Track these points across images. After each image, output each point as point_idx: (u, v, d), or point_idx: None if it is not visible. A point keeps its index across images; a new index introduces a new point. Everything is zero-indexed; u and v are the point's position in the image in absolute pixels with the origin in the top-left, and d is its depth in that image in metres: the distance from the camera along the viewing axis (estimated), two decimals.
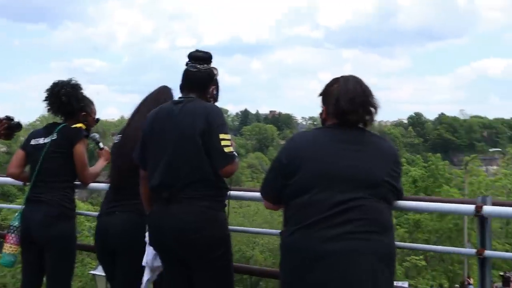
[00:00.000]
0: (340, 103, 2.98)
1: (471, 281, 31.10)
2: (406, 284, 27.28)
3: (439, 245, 40.89)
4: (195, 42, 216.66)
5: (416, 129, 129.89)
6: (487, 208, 2.90)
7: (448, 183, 44.18)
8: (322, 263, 2.74)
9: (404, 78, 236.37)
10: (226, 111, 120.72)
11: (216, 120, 3.35)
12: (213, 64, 3.61)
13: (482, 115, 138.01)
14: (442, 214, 41.05)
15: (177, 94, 3.72)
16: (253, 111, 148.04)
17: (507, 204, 2.99)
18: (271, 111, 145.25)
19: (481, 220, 2.96)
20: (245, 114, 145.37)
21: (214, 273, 3.35)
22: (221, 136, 3.30)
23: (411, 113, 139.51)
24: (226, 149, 3.29)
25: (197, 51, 3.60)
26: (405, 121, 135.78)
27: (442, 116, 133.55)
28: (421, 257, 37.74)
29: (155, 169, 3.40)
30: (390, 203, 2.94)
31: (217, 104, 3.61)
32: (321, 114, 3.16)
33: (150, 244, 3.53)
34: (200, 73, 3.53)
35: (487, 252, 2.93)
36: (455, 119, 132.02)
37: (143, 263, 3.67)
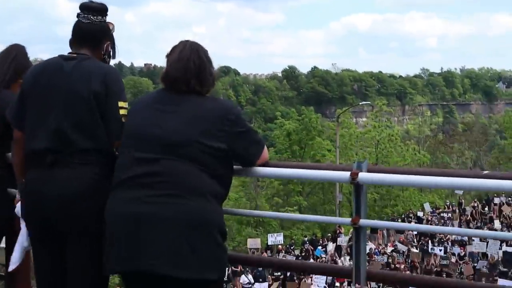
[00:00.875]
0: (171, 70, 2.90)
1: (342, 230, 32.41)
2: (281, 235, 27.90)
3: (313, 196, 42.43)
4: None
5: (290, 82, 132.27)
6: (363, 175, 2.76)
7: (321, 136, 45.59)
8: (126, 223, 2.70)
9: (278, 32, 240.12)
10: None
11: (115, 84, 3.04)
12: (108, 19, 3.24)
13: (353, 68, 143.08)
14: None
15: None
16: (127, 64, 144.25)
17: (382, 171, 2.87)
18: (146, 64, 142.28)
19: (357, 187, 2.82)
20: (120, 67, 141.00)
21: (92, 249, 2.97)
22: (120, 103, 3.01)
23: (285, 66, 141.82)
24: (123, 119, 2.99)
25: (91, 1, 3.20)
26: (279, 75, 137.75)
27: (315, 70, 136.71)
28: (295, 208, 38.93)
29: (36, 130, 3.01)
30: (206, 165, 2.75)
31: (111, 62, 3.29)
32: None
33: (23, 215, 3.14)
34: (93, 25, 3.14)
35: (362, 221, 2.81)
36: (327, 72, 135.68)
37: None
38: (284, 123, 46.87)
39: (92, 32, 3.15)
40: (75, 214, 2.92)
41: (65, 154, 2.95)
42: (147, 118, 2.85)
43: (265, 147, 3.06)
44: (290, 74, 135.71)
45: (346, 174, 2.80)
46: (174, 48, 2.96)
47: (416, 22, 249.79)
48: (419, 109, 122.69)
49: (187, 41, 2.99)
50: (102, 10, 3.20)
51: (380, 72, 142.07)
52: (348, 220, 2.87)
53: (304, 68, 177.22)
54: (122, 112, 3.00)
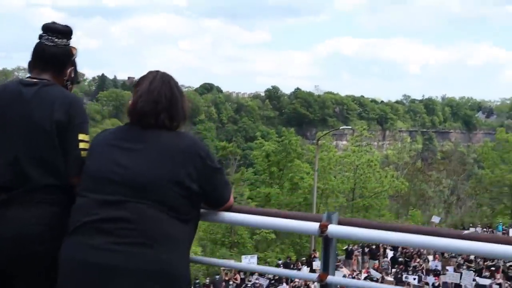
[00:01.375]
0: (140, 102, 2.65)
1: (317, 254, 32.17)
2: (255, 257, 27.67)
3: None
4: (52, 1, 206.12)
5: (273, 102, 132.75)
6: (333, 228, 2.53)
7: (300, 158, 45.43)
8: (84, 273, 2.43)
9: (263, 51, 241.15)
10: (83, 75, 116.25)
11: (80, 115, 2.80)
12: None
13: (335, 91, 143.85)
14: (293, 188, 42.38)
15: None
16: (110, 77, 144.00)
17: (354, 223, 2.63)
18: (129, 78, 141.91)
19: (326, 240, 2.59)
20: (102, 79, 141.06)
21: None
22: (81, 136, 2.76)
23: (269, 86, 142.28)
24: (82, 154, 2.73)
25: (53, 23, 2.96)
26: (262, 94, 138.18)
27: (297, 91, 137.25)
28: (271, 230, 38.62)
29: None
30: (176, 209, 2.51)
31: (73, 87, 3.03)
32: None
33: None
34: (58, 48, 2.90)
35: (330, 278, 2.57)
36: (310, 94, 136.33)
37: None
38: (263, 143, 46.63)
39: (57, 56, 2.90)
40: (31, 257, 2.66)
41: (22, 191, 2.69)
42: (111, 157, 2.58)
43: (232, 190, 2.84)
44: (273, 94, 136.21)
45: (315, 226, 2.57)
46: (142, 79, 2.73)
47: (399, 48, 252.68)
48: (399, 135, 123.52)
49: (157, 71, 2.76)
50: (67, 32, 2.96)
51: (362, 96, 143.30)
52: (314, 276, 2.63)
53: (287, 88, 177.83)
54: (82, 145, 2.74)
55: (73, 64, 3.01)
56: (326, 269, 2.60)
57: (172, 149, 2.58)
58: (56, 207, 2.71)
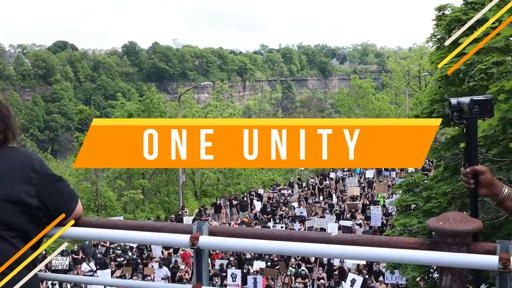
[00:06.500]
0: None
1: (187, 211, 32.45)
2: (120, 219, 27.30)
3: (156, 177, 41.81)
4: None
5: (131, 58, 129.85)
6: (204, 240, 2.50)
7: (163, 116, 44.99)
8: None
9: (118, 6, 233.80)
10: None
11: None
12: None
13: (193, 44, 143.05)
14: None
15: None
16: None
17: (224, 233, 2.60)
18: None
19: (197, 252, 2.54)
20: None
21: None
22: None
23: (125, 41, 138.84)
24: None
25: None
26: (120, 50, 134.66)
27: (156, 46, 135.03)
28: (139, 190, 38.35)
29: None
30: (19, 229, 2.36)
31: None
32: None
33: None
34: None
35: None
36: (168, 48, 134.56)
37: None
38: (125, 103, 45.60)
39: None
40: None
41: None
42: None
43: (79, 200, 2.70)
44: (131, 49, 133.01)
45: (186, 238, 2.51)
46: None
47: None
48: (259, 84, 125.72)
49: None
50: None
51: (221, 48, 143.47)
52: (189, 287, 2.59)
53: (144, 43, 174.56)
54: None
55: None
56: (199, 280, 2.57)
57: (4, 166, 2.40)
58: None
